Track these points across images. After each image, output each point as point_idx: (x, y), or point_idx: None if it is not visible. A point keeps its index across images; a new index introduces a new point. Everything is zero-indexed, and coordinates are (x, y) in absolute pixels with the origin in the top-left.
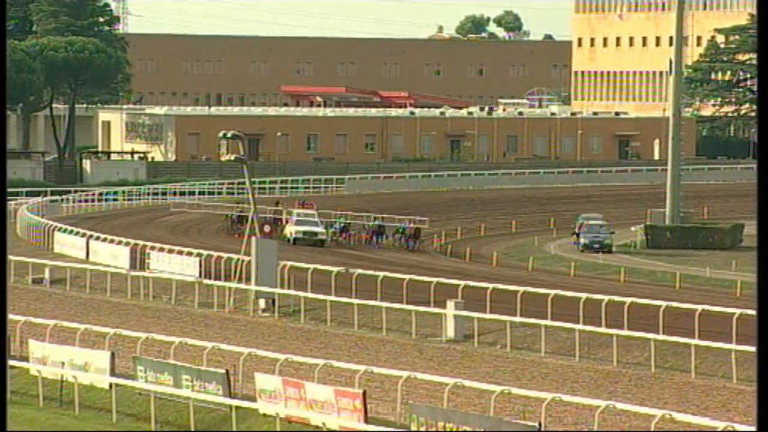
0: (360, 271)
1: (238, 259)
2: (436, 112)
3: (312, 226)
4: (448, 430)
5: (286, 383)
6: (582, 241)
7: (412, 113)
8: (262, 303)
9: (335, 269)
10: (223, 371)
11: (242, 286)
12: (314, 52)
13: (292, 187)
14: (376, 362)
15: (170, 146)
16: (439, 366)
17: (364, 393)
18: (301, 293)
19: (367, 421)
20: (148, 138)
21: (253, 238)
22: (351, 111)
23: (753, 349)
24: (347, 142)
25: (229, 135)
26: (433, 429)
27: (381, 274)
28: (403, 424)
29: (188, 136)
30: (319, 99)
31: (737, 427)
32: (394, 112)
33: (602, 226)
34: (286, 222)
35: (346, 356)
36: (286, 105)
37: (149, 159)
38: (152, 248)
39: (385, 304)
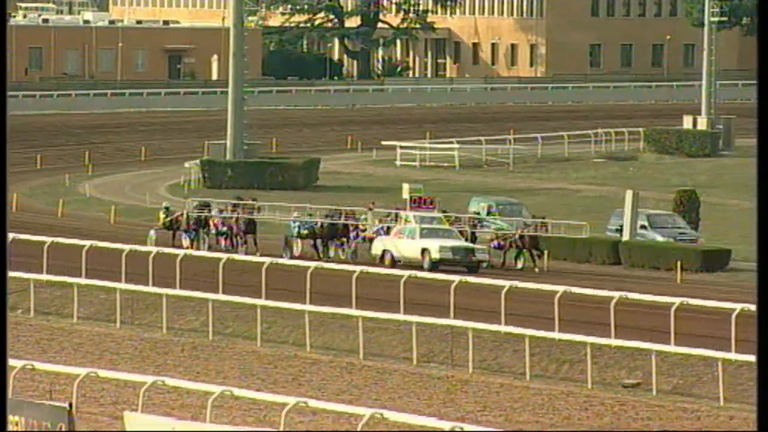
0: None
1: None
2: None
3: (456, 240)
4: None
5: None
6: (653, 238)
7: None
8: None
9: None
10: None
11: None
12: None
13: None
14: None
15: None
16: None
17: None
18: None
19: None
20: None
21: None
22: None
23: (330, 309)
24: None
25: None
26: None
27: None
28: None
29: None
30: None
31: (311, 402)
32: None
33: (669, 215)
34: (373, 232)
35: None
36: None
37: None
38: None
39: None
